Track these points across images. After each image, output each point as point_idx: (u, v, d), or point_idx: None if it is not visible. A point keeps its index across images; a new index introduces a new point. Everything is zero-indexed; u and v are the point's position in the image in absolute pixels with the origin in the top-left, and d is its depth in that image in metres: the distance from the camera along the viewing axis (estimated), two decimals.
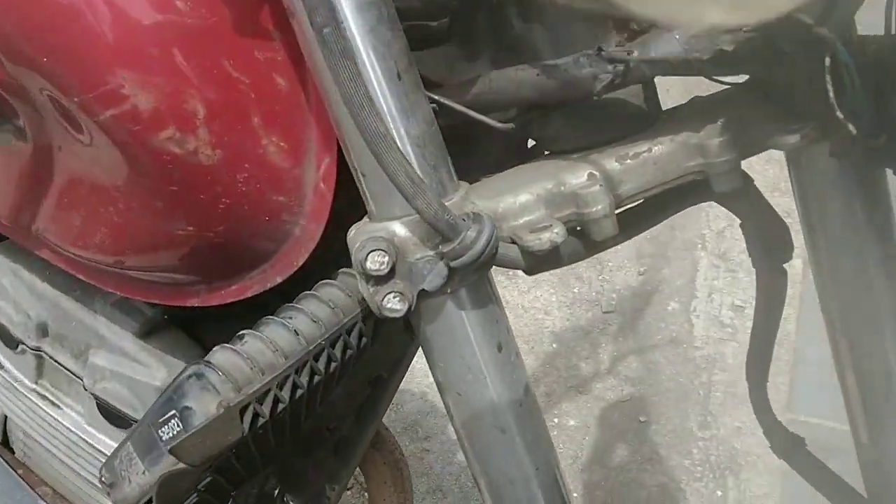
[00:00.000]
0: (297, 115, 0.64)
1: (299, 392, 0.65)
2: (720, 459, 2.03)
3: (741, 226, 0.87)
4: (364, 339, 0.72)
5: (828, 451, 2.05)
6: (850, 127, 0.56)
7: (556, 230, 0.58)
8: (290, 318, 0.67)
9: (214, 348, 0.63)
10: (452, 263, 0.57)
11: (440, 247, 0.58)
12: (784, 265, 0.85)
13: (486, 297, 0.64)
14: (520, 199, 0.62)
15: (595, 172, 0.62)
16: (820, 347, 2.20)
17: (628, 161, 0.63)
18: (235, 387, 0.60)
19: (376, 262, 0.57)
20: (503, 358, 0.65)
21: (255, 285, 0.72)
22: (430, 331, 0.63)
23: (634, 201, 0.65)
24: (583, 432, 2.13)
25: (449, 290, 0.60)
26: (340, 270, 0.74)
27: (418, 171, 0.55)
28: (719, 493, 1.96)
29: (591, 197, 0.61)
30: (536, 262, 0.61)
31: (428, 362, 0.66)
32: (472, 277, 0.61)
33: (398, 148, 0.54)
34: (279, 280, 0.71)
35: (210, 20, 0.58)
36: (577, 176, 0.62)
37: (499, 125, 0.66)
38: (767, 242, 0.83)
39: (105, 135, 0.60)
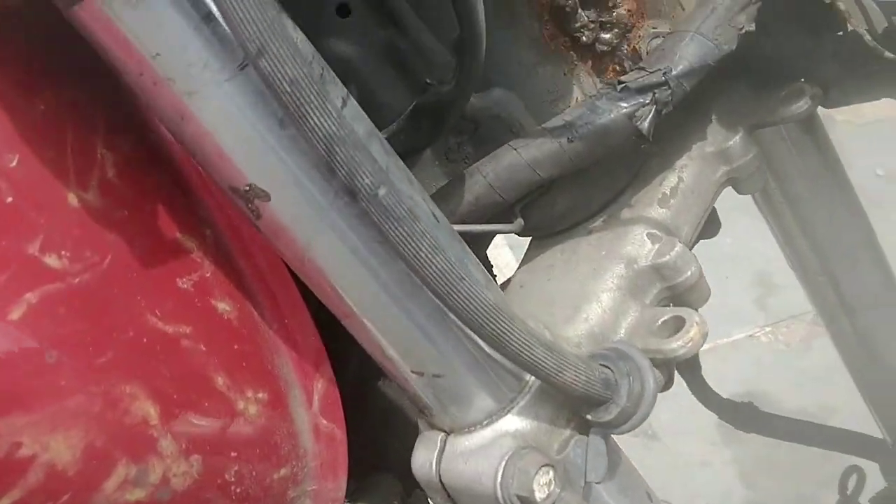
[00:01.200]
0: (261, 344, 0.40)
1: None
2: None
3: None
4: None
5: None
6: (887, 53, 0.48)
7: (695, 319, 0.43)
8: None
9: None
10: (619, 430, 0.39)
11: (590, 416, 0.39)
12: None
13: (615, 450, 0.46)
14: (604, 304, 0.45)
15: (654, 231, 0.48)
16: None
17: (672, 201, 0.50)
18: None
19: (544, 488, 0.37)
20: None
21: None
22: None
23: (691, 246, 0.51)
24: None
25: None
26: None
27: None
28: None
29: (680, 261, 0.46)
30: (672, 373, 0.45)
31: None
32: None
33: (518, 316, 0.35)
34: None
35: (102, 264, 0.33)
36: (639, 244, 0.47)
37: (512, 228, 0.48)
38: None
39: None
